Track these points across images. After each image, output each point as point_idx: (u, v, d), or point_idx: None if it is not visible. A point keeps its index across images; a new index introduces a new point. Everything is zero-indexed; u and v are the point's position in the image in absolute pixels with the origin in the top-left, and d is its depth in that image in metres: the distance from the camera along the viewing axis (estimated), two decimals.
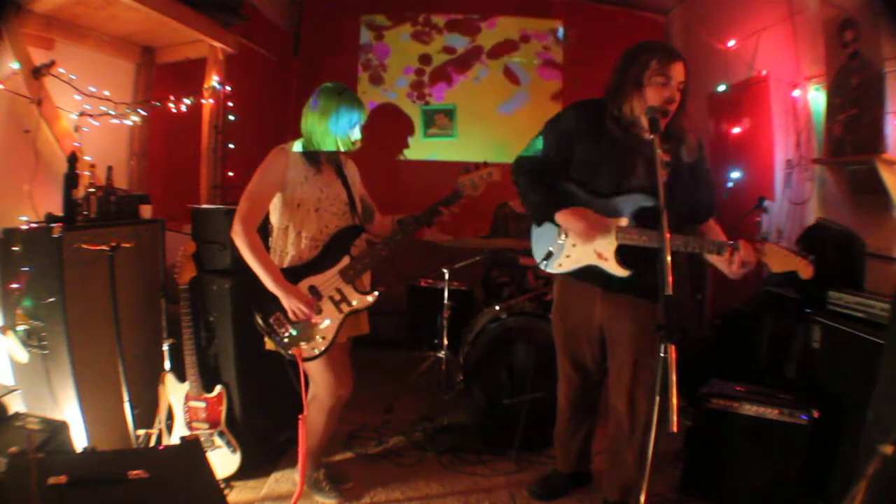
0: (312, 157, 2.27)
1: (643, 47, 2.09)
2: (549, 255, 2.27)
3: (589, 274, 2.21)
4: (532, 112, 5.35)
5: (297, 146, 2.28)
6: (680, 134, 2.15)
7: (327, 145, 2.26)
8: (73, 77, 2.96)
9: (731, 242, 1.97)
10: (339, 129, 2.24)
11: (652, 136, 1.79)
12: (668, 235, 1.62)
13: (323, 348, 2.24)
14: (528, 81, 5.46)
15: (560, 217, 2.15)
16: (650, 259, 1.97)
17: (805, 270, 1.89)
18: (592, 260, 2.18)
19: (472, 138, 5.49)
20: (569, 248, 2.23)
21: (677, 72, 2.03)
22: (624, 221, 2.12)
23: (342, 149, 2.28)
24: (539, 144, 2.28)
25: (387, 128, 5.46)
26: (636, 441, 2.25)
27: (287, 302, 2.15)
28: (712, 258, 2.03)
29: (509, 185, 3.95)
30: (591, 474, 2.67)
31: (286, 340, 2.21)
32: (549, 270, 2.29)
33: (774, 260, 1.90)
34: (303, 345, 2.22)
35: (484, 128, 5.46)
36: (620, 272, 2.13)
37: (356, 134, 2.29)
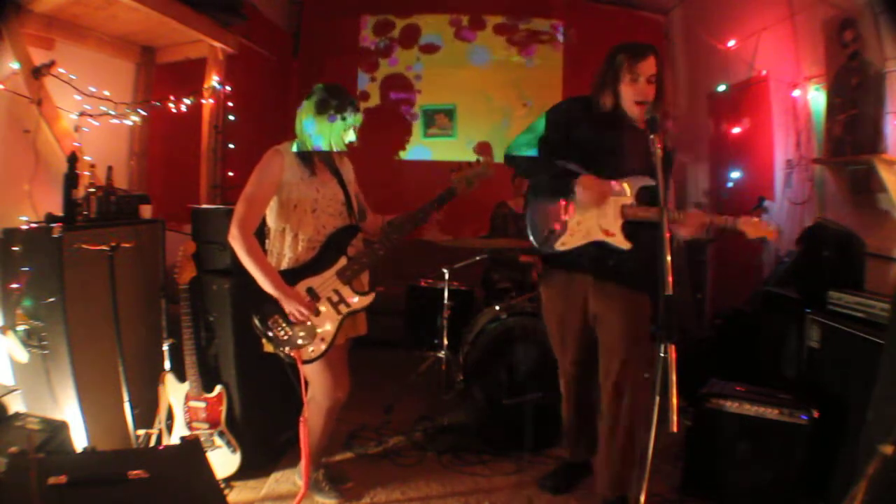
0: (306, 157, 2.27)
1: (617, 48, 2.28)
2: (550, 235, 2.31)
3: (583, 259, 2.29)
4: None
5: (293, 147, 2.28)
6: (659, 120, 2.22)
7: (320, 146, 2.26)
8: (73, 77, 2.96)
9: (681, 211, 2.18)
10: (331, 130, 2.24)
11: (652, 137, 1.81)
12: (668, 235, 1.63)
13: (322, 350, 2.23)
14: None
15: (580, 183, 2.23)
16: (641, 237, 2.20)
17: (771, 233, 2.09)
18: (598, 236, 2.27)
19: (471, 138, 5.50)
20: (573, 225, 2.29)
21: (646, 67, 2.21)
22: (628, 200, 2.26)
23: (334, 149, 2.28)
24: (539, 127, 2.39)
25: (386, 128, 5.47)
26: (620, 436, 2.29)
27: (287, 305, 2.15)
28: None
29: (507, 185, 4.00)
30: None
31: (285, 343, 2.21)
32: (552, 250, 2.33)
33: (749, 227, 2.10)
34: (301, 346, 2.22)
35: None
36: (626, 245, 2.24)
37: (350, 135, 2.28)
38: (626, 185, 2.26)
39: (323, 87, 2.27)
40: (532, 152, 2.36)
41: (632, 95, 2.23)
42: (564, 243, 2.31)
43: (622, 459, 2.30)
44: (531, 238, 2.39)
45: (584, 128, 2.32)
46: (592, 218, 2.28)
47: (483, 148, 5.45)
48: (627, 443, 2.29)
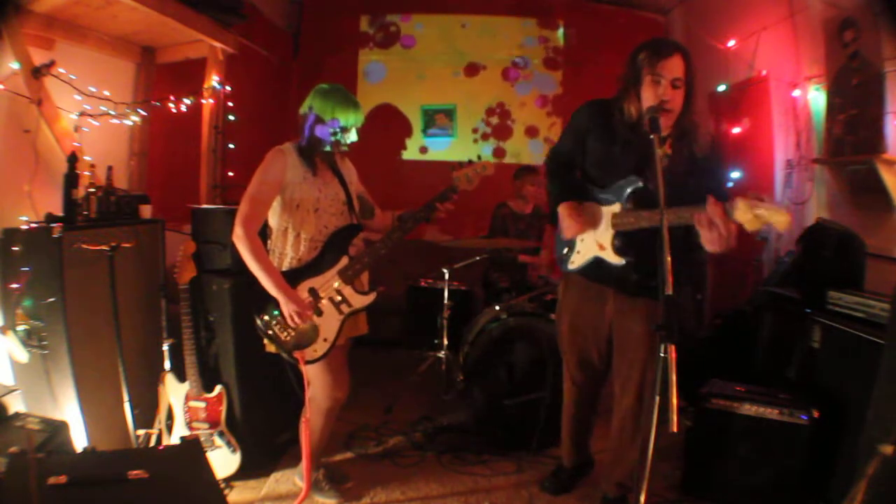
0: (308, 157, 2.27)
1: (641, 46, 2.08)
2: (564, 255, 2.34)
3: (602, 273, 2.22)
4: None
5: (294, 147, 2.28)
6: (691, 130, 2.12)
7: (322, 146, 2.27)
8: (73, 77, 2.96)
9: (695, 207, 1.82)
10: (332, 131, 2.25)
11: (652, 136, 1.78)
12: (667, 235, 1.62)
13: (325, 350, 2.23)
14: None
15: (559, 210, 2.23)
16: (648, 246, 1.90)
17: (781, 220, 1.62)
18: (595, 252, 2.21)
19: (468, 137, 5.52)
20: (578, 243, 2.29)
21: (669, 68, 2.00)
22: (617, 207, 2.13)
23: (336, 149, 2.28)
24: (559, 140, 2.39)
25: (387, 128, 5.47)
26: (637, 442, 2.24)
27: (285, 307, 2.15)
28: (703, 239, 1.85)
29: (508, 185, 4.00)
30: (593, 461, 2.69)
31: (288, 343, 2.21)
32: (565, 268, 2.34)
33: (746, 217, 1.66)
34: (304, 347, 2.21)
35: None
36: (616, 260, 2.14)
37: (351, 135, 2.28)
38: (609, 208, 2.14)
39: (324, 88, 2.28)
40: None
41: (651, 100, 2.00)
42: (573, 262, 2.31)
43: (633, 462, 2.29)
44: (557, 249, 2.42)
45: (600, 137, 2.19)
46: (591, 233, 2.21)
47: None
48: (637, 447, 2.28)
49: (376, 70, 5.55)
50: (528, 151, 5.54)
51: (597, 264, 2.23)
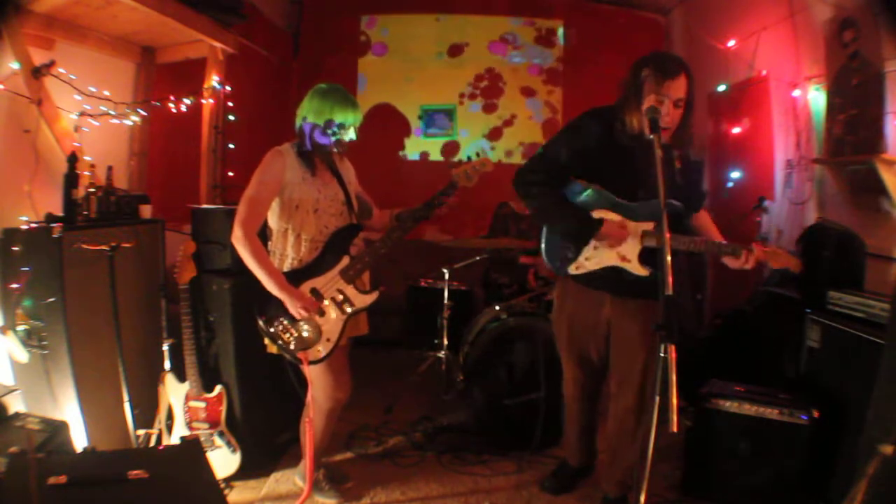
0: (307, 158, 2.27)
1: (645, 60, 2.10)
2: (564, 260, 2.30)
3: (599, 279, 2.25)
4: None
5: (293, 148, 2.28)
6: (689, 142, 2.21)
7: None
8: (73, 77, 2.96)
9: (743, 245, 2.13)
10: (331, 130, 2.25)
11: (652, 136, 1.78)
12: (668, 235, 1.63)
13: (328, 351, 2.23)
14: None
15: (602, 233, 2.19)
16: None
17: (796, 266, 2.15)
18: (614, 262, 2.23)
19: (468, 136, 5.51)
20: (589, 250, 2.26)
21: (674, 89, 2.03)
22: (649, 226, 2.18)
23: (334, 149, 2.29)
24: (551, 152, 2.28)
25: (386, 128, 5.47)
26: (636, 440, 2.25)
27: (290, 305, 2.15)
28: (725, 258, 2.18)
29: (508, 185, 3.99)
30: (595, 463, 2.69)
31: (291, 344, 2.21)
32: (564, 272, 2.32)
33: (774, 258, 2.14)
34: (307, 347, 2.21)
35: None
36: (643, 272, 2.18)
37: (350, 135, 2.29)
38: (638, 224, 2.19)
39: (322, 88, 2.28)
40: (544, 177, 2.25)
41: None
42: (578, 267, 2.29)
43: (632, 461, 2.30)
44: (545, 259, 2.37)
45: (605, 149, 2.17)
46: (608, 245, 2.23)
47: (450, 146, 5.43)
48: (636, 445, 2.28)
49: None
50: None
51: (601, 272, 2.24)
